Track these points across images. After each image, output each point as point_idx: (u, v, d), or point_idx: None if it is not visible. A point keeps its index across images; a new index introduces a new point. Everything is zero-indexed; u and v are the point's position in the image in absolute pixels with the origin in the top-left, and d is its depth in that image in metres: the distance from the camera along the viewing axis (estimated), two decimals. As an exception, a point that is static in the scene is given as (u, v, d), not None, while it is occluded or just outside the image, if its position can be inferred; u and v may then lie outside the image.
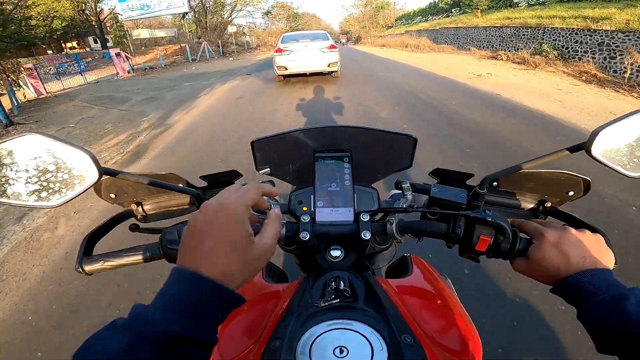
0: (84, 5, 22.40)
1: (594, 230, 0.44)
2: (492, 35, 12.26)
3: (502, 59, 9.54)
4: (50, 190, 0.38)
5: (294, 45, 7.47)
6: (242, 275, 0.30)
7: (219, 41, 21.31)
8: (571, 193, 0.54)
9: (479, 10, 15.99)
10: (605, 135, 0.39)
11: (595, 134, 0.39)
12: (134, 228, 0.55)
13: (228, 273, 0.29)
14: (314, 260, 0.53)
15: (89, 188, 0.38)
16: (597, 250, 0.39)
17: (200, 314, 0.26)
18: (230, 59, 18.49)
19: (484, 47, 12.65)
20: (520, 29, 10.28)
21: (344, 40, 49.95)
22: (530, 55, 8.45)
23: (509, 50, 10.32)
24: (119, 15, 20.49)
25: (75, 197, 0.38)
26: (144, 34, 21.68)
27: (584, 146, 0.39)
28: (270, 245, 0.33)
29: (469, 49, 12.89)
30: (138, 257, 0.47)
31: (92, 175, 0.37)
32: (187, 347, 0.25)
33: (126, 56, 13.54)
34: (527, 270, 0.42)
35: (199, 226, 0.31)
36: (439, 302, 0.52)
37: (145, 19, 20.66)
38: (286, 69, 7.57)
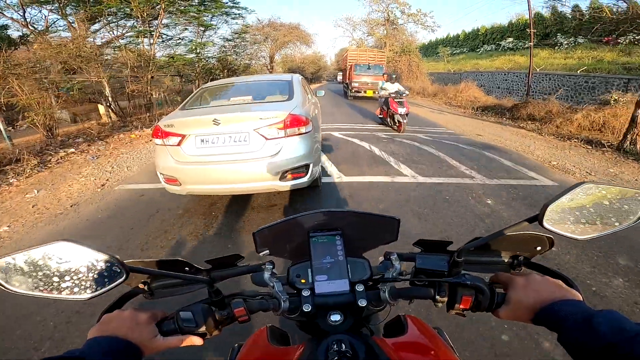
0: None
1: (559, 275, 0.58)
2: None
3: None
4: (82, 287, 0.46)
5: (194, 121, 3.00)
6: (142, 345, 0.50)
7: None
8: (539, 248, 0.66)
9: None
10: (553, 208, 0.50)
11: (545, 207, 0.50)
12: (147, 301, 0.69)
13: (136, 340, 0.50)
14: (314, 324, 0.64)
15: (117, 285, 0.47)
16: (561, 288, 0.51)
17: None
18: None
19: None
20: None
21: (394, 91, 8.34)
22: None
23: None
24: None
25: (105, 292, 0.47)
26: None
27: (536, 218, 0.51)
28: (159, 348, 0.54)
29: None
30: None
31: (120, 275, 0.47)
32: None
33: None
34: (509, 314, 0.54)
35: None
36: (434, 357, 0.60)
37: None
38: (179, 183, 3.04)
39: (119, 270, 0.46)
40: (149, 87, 10.73)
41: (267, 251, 0.69)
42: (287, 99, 3.31)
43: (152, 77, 10.98)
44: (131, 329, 0.50)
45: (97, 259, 0.45)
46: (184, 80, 15.34)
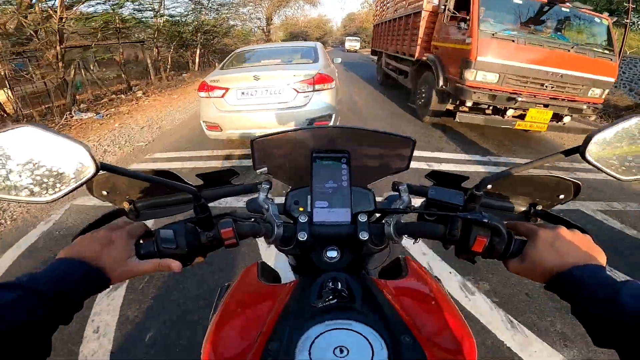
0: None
1: (580, 230, 0.53)
2: None
3: None
4: (44, 185, 0.41)
5: (237, 77, 3.77)
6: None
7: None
8: (562, 196, 0.62)
9: None
10: (599, 139, 0.45)
11: (589, 138, 0.45)
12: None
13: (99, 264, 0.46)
14: (308, 260, 0.62)
15: (85, 183, 0.43)
16: (588, 249, 0.47)
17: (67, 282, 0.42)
18: None
19: None
20: None
21: None
22: None
23: None
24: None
25: (69, 192, 0.42)
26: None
27: (578, 150, 0.46)
28: (132, 273, 0.49)
29: None
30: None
31: (89, 169, 0.41)
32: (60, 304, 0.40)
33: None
34: (521, 269, 0.50)
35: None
36: (433, 303, 0.58)
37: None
38: (221, 128, 3.82)
39: (87, 165, 0.41)
40: (60, 64, 7.35)
41: (266, 169, 0.67)
42: (313, 61, 4.07)
43: (64, 48, 7.47)
44: (102, 251, 0.47)
45: (64, 149, 0.40)
46: (145, 46, 11.25)
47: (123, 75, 9.70)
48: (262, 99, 3.67)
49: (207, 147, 4.61)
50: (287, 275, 0.76)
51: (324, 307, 0.45)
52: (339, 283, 0.49)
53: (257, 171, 0.66)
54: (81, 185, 0.41)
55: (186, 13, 12.86)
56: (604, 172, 0.46)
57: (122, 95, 8.70)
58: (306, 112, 3.65)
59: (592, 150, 0.44)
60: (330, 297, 0.46)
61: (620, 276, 2.12)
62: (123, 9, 9.74)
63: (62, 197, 0.41)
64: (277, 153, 0.69)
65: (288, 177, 0.71)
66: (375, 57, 11.45)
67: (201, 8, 13.40)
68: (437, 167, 3.97)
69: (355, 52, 31.55)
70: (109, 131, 5.71)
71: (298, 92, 3.61)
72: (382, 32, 9.58)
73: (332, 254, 0.57)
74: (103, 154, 4.68)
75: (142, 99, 8.52)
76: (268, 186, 0.64)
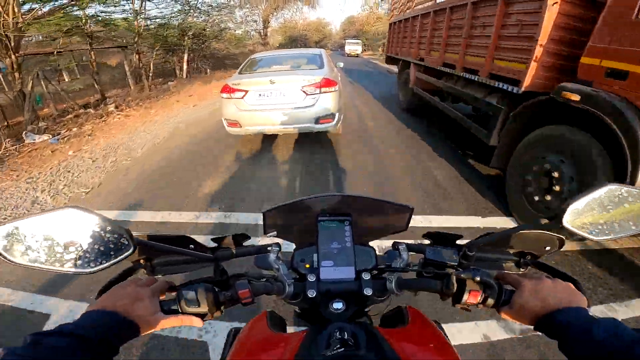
0: None
1: (567, 277, 0.60)
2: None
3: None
4: (86, 259, 0.46)
5: (255, 80, 4.39)
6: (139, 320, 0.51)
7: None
8: (548, 248, 0.69)
9: None
10: (574, 208, 0.54)
11: (565, 207, 0.54)
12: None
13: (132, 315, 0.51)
14: (315, 311, 0.66)
15: (123, 259, 0.48)
16: (568, 294, 0.53)
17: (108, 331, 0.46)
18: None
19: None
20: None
21: None
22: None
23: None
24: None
25: (110, 266, 0.47)
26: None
27: (556, 218, 0.55)
28: (158, 326, 0.53)
29: None
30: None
31: (127, 248, 0.48)
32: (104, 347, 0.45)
33: None
34: (512, 315, 0.56)
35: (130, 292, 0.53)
36: (434, 348, 0.60)
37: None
38: (240, 125, 4.43)
39: (126, 243, 0.48)
40: (16, 75, 6.55)
41: (275, 233, 0.73)
42: (319, 67, 4.70)
43: (20, 56, 6.78)
44: (131, 304, 0.51)
45: (106, 229, 0.47)
46: (129, 50, 10.39)
47: (96, 85, 8.49)
48: (276, 99, 4.27)
49: (162, 204, 3.19)
50: (292, 318, 0.83)
51: (333, 355, 0.48)
52: (345, 333, 0.52)
53: (267, 235, 0.72)
54: (120, 261, 0.48)
55: (171, 15, 11.79)
56: (579, 235, 0.55)
57: (91, 110, 7.47)
58: (313, 112, 4.27)
59: (568, 218, 0.54)
60: (338, 346, 0.49)
61: None
62: (88, 9, 8.46)
63: (102, 270, 0.46)
64: (285, 218, 0.75)
65: (294, 238, 0.77)
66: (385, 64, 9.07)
67: (189, 9, 12.33)
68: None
69: (357, 56, 28.33)
70: (58, 163, 4.42)
71: (307, 94, 4.22)
72: (410, 32, 5.97)
73: (338, 305, 0.62)
74: (30, 206, 3.23)
75: (113, 114, 7.19)
76: (278, 248, 0.70)
